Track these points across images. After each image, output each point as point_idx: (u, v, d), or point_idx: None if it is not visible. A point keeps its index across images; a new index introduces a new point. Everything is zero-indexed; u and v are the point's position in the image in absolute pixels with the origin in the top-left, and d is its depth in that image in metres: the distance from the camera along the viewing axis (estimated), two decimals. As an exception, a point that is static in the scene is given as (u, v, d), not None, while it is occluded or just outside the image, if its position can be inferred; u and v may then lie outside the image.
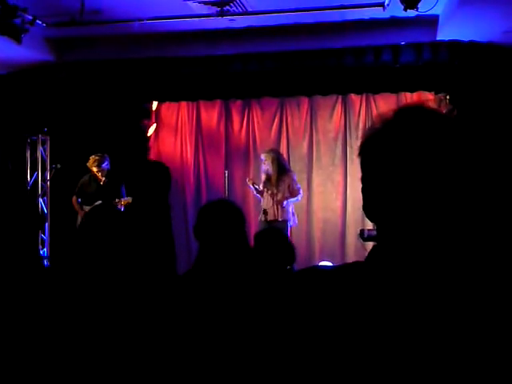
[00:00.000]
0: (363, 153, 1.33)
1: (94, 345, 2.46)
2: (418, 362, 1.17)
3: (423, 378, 1.17)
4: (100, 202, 9.58)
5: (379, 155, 1.27)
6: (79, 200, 9.87)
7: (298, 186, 9.93)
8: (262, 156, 9.92)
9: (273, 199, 9.65)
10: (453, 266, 1.22)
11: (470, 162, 1.23)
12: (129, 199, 9.56)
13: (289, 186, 9.72)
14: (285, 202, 9.63)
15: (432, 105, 1.32)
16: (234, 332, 2.70)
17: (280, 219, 9.60)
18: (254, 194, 10.19)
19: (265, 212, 9.67)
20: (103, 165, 9.76)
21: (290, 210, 9.81)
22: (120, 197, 9.67)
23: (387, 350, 1.19)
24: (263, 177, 9.85)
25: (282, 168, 9.84)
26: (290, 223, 9.78)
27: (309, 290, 1.35)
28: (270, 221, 9.55)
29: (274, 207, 9.64)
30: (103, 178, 9.81)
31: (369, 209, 1.33)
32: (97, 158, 9.76)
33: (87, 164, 9.79)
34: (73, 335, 2.44)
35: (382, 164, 1.27)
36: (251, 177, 10.46)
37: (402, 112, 1.30)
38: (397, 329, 1.20)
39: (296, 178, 10.02)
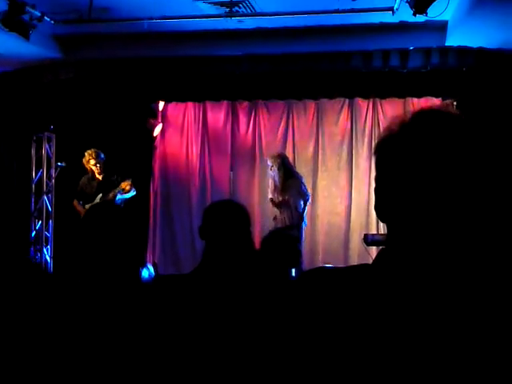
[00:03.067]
0: (379, 153, 1.32)
1: (96, 341, 2.45)
2: (425, 364, 1.17)
3: (428, 380, 1.16)
4: (100, 195, 9.60)
5: (395, 156, 1.27)
6: (80, 202, 9.83)
7: (306, 188, 9.81)
8: (269, 161, 9.72)
9: (281, 206, 9.46)
10: (464, 271, 1.21)
11: (487, 168, 1.22)
12: (129, 181, 9.64)
13: (298, 190, 9.51)
14: (297, 206, 9.47)
15: (452, 109, 1.31)
16: (239, 331, 2.69)
17: (289, 224, 9.32)
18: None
19: (274, 218, 9.51)
20: (100, 157, 9.73)
21: (304, 213, 9.58)
22: (117, 186, 9.67)
23: (394, 351, 1.19)
24: (271, 183, 9.73)
25: (288, 173, 9.61)
26: (304, 225, 9.60)
27: (316, 290, 1.34)
28: (283, 228, 9.23)
29: (283, 214, 9.41)
30: (101, 175, 9.79)
31: (381, 209, 1.32)
32: (92, 151, 9.73)
33: (83, 161, 9.76)
34: (74, 332, 2.44)
35: (397, 165, 1.26)
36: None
37: (421, 114, 1.29)
38: (404, 331, 1.20)
39: (304, 180, 9.91)
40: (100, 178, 9.81)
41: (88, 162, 9.74)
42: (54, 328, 2.43)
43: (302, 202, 9.51)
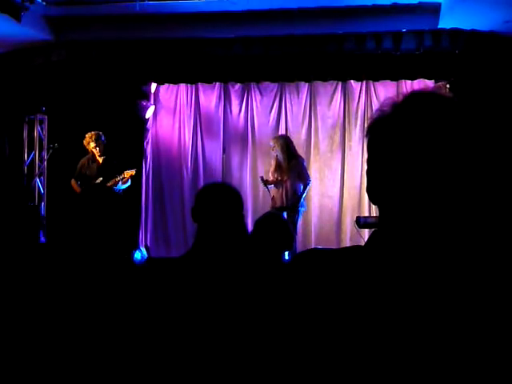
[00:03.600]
0: (371, 134, 1.32)
1: (89, 323, 2.45)
2: (416, 347, 1.17)
3: (421, 364, 1.17)
4: (101, 178, 9.59)
5: (387, 138, 1.26)
6: (78, 183, 9.81)
7: (307, 172, 9.87)
8: (271, 142, 9.77)
9: (282, 186, 9.51)
10: (455, 252, 1.22)
11: (478, 149, 1.22)
12: (132, 171, 9.62)
13: (298, 173, 9.56)
14: (296, 188, 9.52)
15: (444, 91, 1.31)
16: (231, 314, 2.70)
17: (290, 206, 9.43)
18: (265, 189, 10.05)
19: (272, 198, 9.58)
20: (101, 139, 9.70)
21: (303, 196, 9.63)
22: (120, 172, 9.64)
23: (387, 332, 1.19)
24: (273, 163, 9.73)
25: (291, 154, 9.67)
26: (303, 209, 9.67)
27: (309, 271, 1.34)
28: (279, 208, 9.36)
29: (282, 194, 9.49)
30: (102, 158, 9.75)
31: (372, 191, 1.32)
32: (93, 133, 9.69)
33: (84, 142, 9.72)
34: (67, 314, 2.44)
35: (389, 147, 1.26)
36: (262, 174, 10.23)
37: (413, 96, 1.29)
38: (396, 312, 1.20)
39: (305, 163, 10.00)
40: (100, 160, 9.78)
41: (88, 144, 9.71)
42: (46, 310, 2.44)
43: (301, 186, 9.57)
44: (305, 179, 9.65)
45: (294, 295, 1.33)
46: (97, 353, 2.41)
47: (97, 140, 9.67)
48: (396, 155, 1.24)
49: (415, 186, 1.21)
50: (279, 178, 9.53)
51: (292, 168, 9.52)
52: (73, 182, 9.88)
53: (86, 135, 9.70)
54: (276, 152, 9.58)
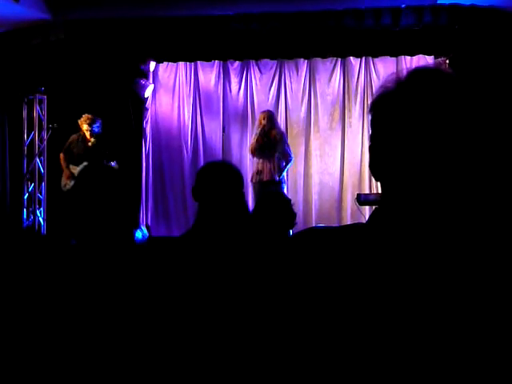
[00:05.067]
0: (374, 110, 1.32)
1: (90, 302, 2.46)
2: (421, 320, 1.18)
3: (424, 336, 1.18)
4: (86, 163, 9.53)
5: (390, 114, 1.27)
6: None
7: (290, 151, 9.92)
8: (261, 116, 9.79)
9: (269, 159, 9.55)
10: (458, 227, 1.22)
11: (480, 125, 1.22)
12: (115, 166, 9.53)
13: (282, 148, 9.67)
14: (282, 163, 9.61)
15: (444, 67, 1.31)
16: (232, 293, 2.71)
17: (277, 180, 9.52)
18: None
19: (259, 173, 9.59)
20: (94, 125, 9.70)
21: (285, 171, 9.76)
22: (106, 161, 9.63)
23: (389, 308, 1.20)
24: (256, 138, 9.69)
25: (279, 129, 9.84)
26: (284, 185, 9.79)
27: (308, 250, 1.34)
28: (266, 181, 9.45)
29: (270, 168, 9.52)
30: (91, 139, 9.74)
31: (375, 167, 1.32)
32: (90, 116, 9.72)
33: (79, 121, 9.74)
34: (67, 294, 2.45)
35: (392, 123, 1.26)
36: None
37: (417, 72, 1.29)
38: (399, 288, 1.21)
39: (288, 142, 10.06)
40: (90, 144, 9.77)
41: (81, 124, 9.73)
42: (46, 289, 2.45)
43: (283, 162, 9.65)
44: (287, 156, 9.76)
45: (294, 274, 1.33)
46: (97, 331, 2.42)
47: (90, 124, 9.69)
48: (399, 131, 1.24)
49: (418, 162, 1.21)
50: (265, 151, 9.56)
51: (279, 142, 9.60)
52: (61, 156, 9.91)
53: (84, 116, 9.72)
54: (267, 126, 9.59)
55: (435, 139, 1.20)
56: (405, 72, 1.30)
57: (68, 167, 9.78)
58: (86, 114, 9.72)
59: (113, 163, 9.59)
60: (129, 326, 2.46)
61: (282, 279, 1.35)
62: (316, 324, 1.25)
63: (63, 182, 9.82)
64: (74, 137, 9.90)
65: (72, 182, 9.45)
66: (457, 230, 1.22)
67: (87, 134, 9.75)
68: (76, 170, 9.50)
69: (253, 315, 1.41)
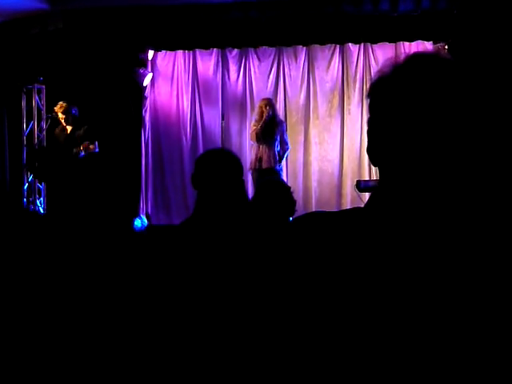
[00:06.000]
0: (372, 95, 1.32)
1: (90, 290, 2.47)
2: (420, 305, 1.18)
3: (424, 321, 1.18)
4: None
5: (388, 98, 1.27)
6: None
7: (288, 139, 9.97)
8: (262, 103, 9.80)
9: (269, 147, 9.59)
10: (455, 211, 1.23)
11: (478, 110, 1.22)
12: (92, 145, 9.48)
13: (281, 137, 9.72)
14: (278, 150, 9.66)
15: (443, 53, 1.31)
16: (233, 280, 2.71)
17: (275, 167, 9.58)
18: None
19: (259, 160, 9.61)
20: (67, 111, 9.66)
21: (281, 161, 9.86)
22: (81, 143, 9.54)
23: (389, 294, 1.20)
24: (258, 124, 9.70)
25: (278, 117, 9.92)
26: (282, 173, 9.90)
27: (309, 234, 1.35)
28: (265, 169, 9.48)
29: (270, 156, 9.57)
30: (69, 127, 9.71)
31: (373, 152, 1.32)
32: (63, 104, 9.69)
33: (54, 108, 9.76)
34: (67, 281, 2.46)
35: (390, 107, 1.26)
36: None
37: (415, 57, 1.29)
38: (398, 271, 1.21)
39: (286, 131, 10.11)
40: (68, 130, 9.74)
41: (57, 112, 9.75)
42: (48, 276, 2.45)
43: (281, 150, 9.73)
44: (286, 143, 9.85)
45: (294, 259, 1.33)
46: (98, 319, 2.43)
47: (64, 112, 9.66)
48: (397, 115, 1.24)
49: (415, 146, 1.21)
50: (265, 138, 9.59)
51: (277, 130, 9.66)
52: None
53: (58, 103, 9.72)
54: (269, 113, 9.60)
55: (431, 123, 1.20)
56: (402, 57, 1.30)
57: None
58: (60, 102, 9.70)
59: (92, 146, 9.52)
60: (129, 313, 2.47)
61: (283, 264, 1.35)
62: (318, 308, 1.25)
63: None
64: (59, 127, 9.95)
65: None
66: (453, 214, 1.23)
67: (62, 121, 9.72)
68: None
69: (254, 302, 1.42)
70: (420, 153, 1.21)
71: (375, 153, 1.32)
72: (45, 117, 10.85)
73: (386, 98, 1.28)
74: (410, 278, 1.20)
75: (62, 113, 9.60)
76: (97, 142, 9.55)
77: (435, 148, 1.20)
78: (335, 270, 1.26)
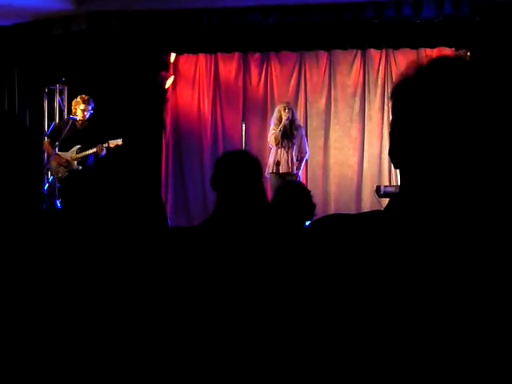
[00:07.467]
0: (395, 97, 1.32)
1: (107, 291, 2.48)
2: (436, 308, 1.18)
3: (440, 324, 1.18)
4: (79, 146, 9.43)
5: (412, 100, 1.27)
6: (57, 143, 9.46)
7: (307, 145, 9.99)
8: (283, 106, 9.71)
9: (287, 151, 9.59)
10: (477, 217, 1.22)
11: (503, 114, 1.22)
12: (118, 141, 9.33)
13: (301, 143, 9.74)
14: (298, 157, 9.69)
15: (466, 59, 1.32)
16: (251, 281, 2.72)
17: (294, 172, 9.58)
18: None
19: (278, 163, 9.59)
20: (91, 105, 9.47)
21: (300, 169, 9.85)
22: (105, 141, 9.33)
23: (406, 295, 1.20)
24: (278, 128, 9.63)
25: (296, 121, 9.91)
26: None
27: (329, 235, 1.35)
28: (283, 173, 9.49)
29: (288, 160, 9.56)
30: (84, 124, 9.49)
31: (395, 154, 1.32)
32: (85, 97, 9.47)
33: (73, 102, 9.56)
34: (84, 281, 2.47)
35: (413, 109, 1.26)
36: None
37: (439, 60, 1.30)
38: (416, 274, 1.21)
39: (305, 138, 10.12)
40: (81, 122, 9.50)
41: (77, 104, 9.46)
42: (64, 273, 2.47)
43: (299, 156, 9.74)
44: (303, 149, 9.84)
45: (313, 260, 1.34)
46: (110, 321, 2.44)
47: (87, 104, 9.43)
48: (419, 117, 1.24)
49: (438, 148, 1.21)
50: (285, 142, 9.59)
51: (297, 134, 9.67)
52: (46, 142, 9.68)
53: (79, 96, 9.50)
54: (289, 118, 9.57)
55: (454, 126, 1.20)
56: (426, 60, 1.31)
57: (57, 154, 9.48)
58: (82, 95, 9.51)
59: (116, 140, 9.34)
60: (145, 311, 2.48)
61: (301, 265, 1.36)
62: (335, 308, 1.26)
63: (55, 170, 9.55)
64: (59, 123, 9.90)
65: (66, 170, 9.36)
66: (475, 218, 1.22)
67: (82, 115, 9.41)
68: (67, 155, 9.43)
69: (273, 304, 1.43)
70: (442, 156, 1.21)
71: (397, 154, 1.32)
72: (66, 118, 10.86)
73: (409, 99, 1.28)
74: (428, 282, 1.20)
75: (85, 105, 9.44)
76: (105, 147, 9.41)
77: (457, 151, 1.20)
78: (354, 271, 1.26)
